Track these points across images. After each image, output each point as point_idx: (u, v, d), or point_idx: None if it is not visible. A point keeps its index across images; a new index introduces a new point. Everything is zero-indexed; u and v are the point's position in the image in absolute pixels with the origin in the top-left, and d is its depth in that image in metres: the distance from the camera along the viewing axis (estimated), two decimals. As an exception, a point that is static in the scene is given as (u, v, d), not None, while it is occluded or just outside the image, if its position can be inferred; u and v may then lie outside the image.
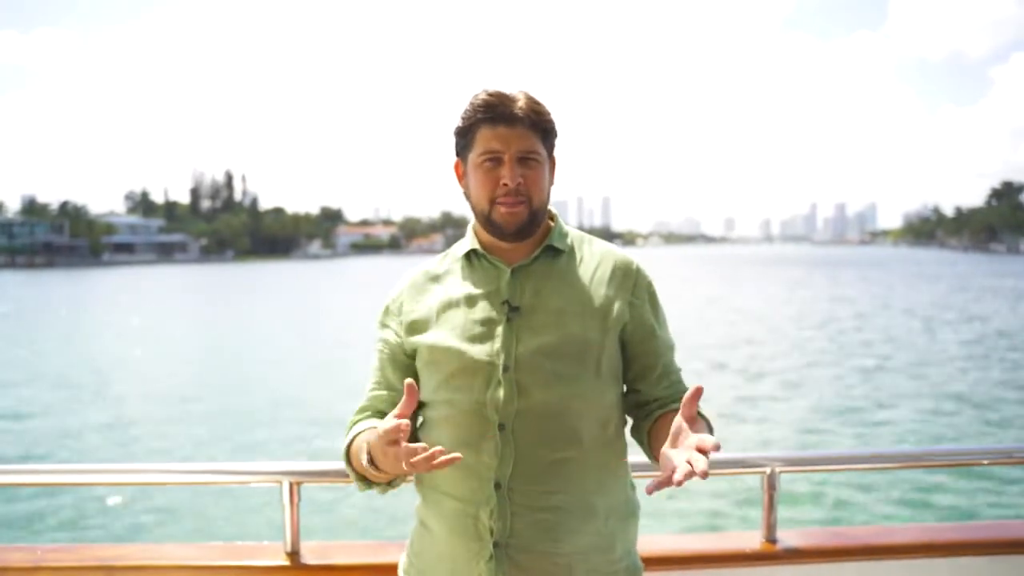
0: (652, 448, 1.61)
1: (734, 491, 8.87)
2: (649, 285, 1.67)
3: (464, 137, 1.62)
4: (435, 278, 1.69)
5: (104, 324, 32.01)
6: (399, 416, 1.43)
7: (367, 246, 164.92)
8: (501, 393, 1.55)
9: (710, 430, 1.47)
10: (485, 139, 1.58)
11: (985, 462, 2.98)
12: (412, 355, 1.67)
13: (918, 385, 16.47)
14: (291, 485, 2.11)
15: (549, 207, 1.67)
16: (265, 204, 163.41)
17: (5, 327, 31.07)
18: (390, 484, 1.65)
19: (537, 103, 1.60)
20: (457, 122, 1.63)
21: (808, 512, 8.47)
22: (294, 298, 46.39)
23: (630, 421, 1.70)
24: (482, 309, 1.61)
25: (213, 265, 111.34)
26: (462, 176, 1.66)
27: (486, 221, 1.61)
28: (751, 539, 2.23)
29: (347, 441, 1.65)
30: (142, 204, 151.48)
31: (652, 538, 2.15)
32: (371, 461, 1.51)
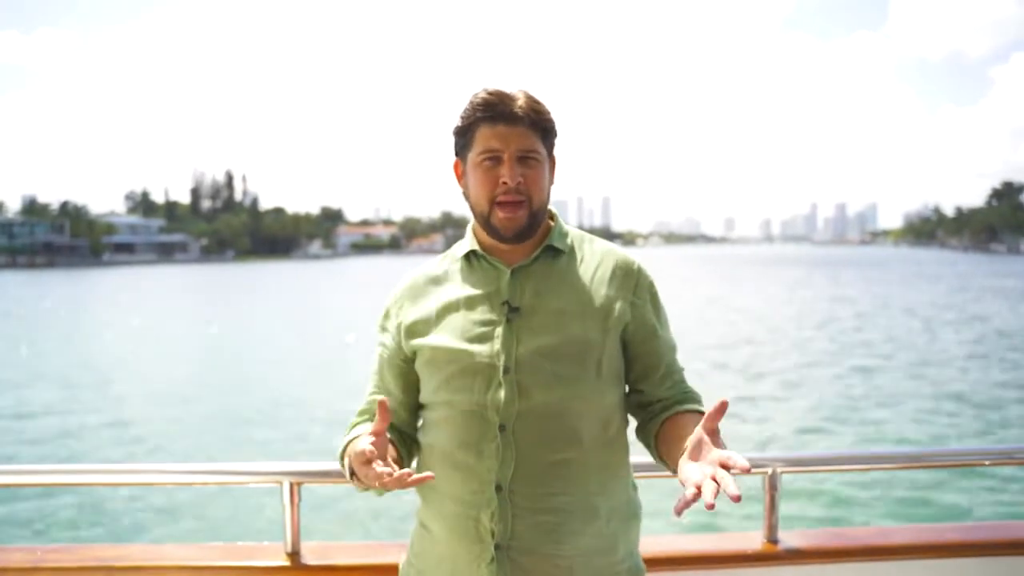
0: (659, 451, 1.60)
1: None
2: (650, 285, 1.66)
3: (463, 136, 1.61)
4: (435, 280, 1.68)
5: (104, 324, 32.00)
6: (374, 433, 1.44)
7: (367, 246, 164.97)
8: (502, 394, 1.54)
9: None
10: (485, 138, 1.57)
11: (986, 462, 2.99)
12: (410, 358, 1.66)
13: (918, 385, 16.46)
14: (291, 485, 2.11)
15: (549, 207, 1.66)
16: (265, 204, 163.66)
17: (5, 327, 31.07)
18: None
19: (537, 102, 1.59)
20: (456, 121, 1.62)
21: (809, 513, 8.46)
22: (294, 298, 46.38)
23: (633, 421, 1.69)
24: (482, 310, 1.60)
25: (213, 265, 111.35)
26: (461, 176, 1.65)
27: (485, 223, 1.61)
28: (752, 539, 2.23)
29: (343, 444, 1.65)
30: (142, 204, 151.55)
31: (653, 539, 2.14)
32: (353, 473, 1.52)
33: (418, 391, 1.69)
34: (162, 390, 16.92)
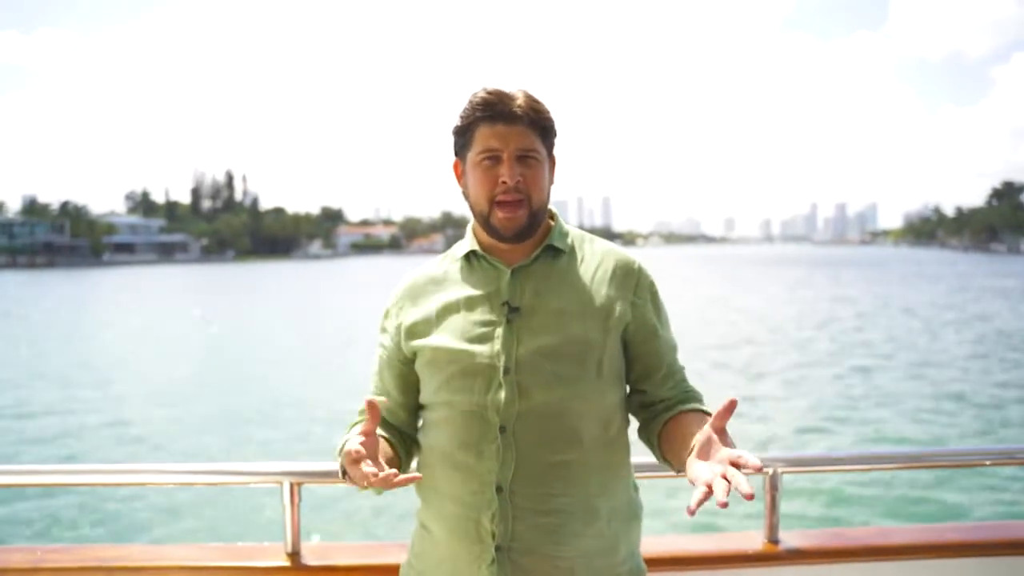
0: (663, 450, 1.60)
1: (735, 492, 8.85)
2: (651, 285, 1.66)
3: (463, 136, 1.60)
4: (435, 280, 1.68)
5: (104, 324, 32.01)
6: (363, 432, 1.44)
7: (367, 246, 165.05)
8: (502, 395, 1.54)
9: None
10: (484, 137, 1.57)
11: (987, 462, 2.99)
12: (410, 359, 1.66)
13: (919, 385, 16.45)
14: (292, 486, 2.11)
15: (549, 207, 1.66)
16: (266, 204, 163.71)
17: (6, 327, 31.08)
18: None
19: (536, 101, 1.59)
20: (456, 121, 1.62)
21: (810, 512, 8.46)
22: (295, 298, 46.39)
23: (634, 421, 1.69)
24: (482, 310, 1.59)
25: (214, 265, 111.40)
26: (461, 176, 1.64)
27: (485, 223, 1.60)
28: (753, 540, 2.23)
29: (341, 443, 1.65)
30: (143, 204, 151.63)
31: (654, 539, 2.14)
32: (344, 472, 1.51)
33: (417, 392, 1.68)
34: (162, 390, 16.92)
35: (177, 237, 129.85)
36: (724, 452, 1.28)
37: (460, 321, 1.60)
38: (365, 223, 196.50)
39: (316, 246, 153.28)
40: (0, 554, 2.16)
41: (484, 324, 1.58)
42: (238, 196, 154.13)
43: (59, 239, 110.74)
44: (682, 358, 1.70)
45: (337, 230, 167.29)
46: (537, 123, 1.58)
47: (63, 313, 37.31)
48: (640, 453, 1.73)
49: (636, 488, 1.70)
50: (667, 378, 1.65)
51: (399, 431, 1.70)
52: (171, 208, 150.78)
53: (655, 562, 1.98)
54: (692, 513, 1.20)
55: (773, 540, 2.21)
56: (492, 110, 1.56)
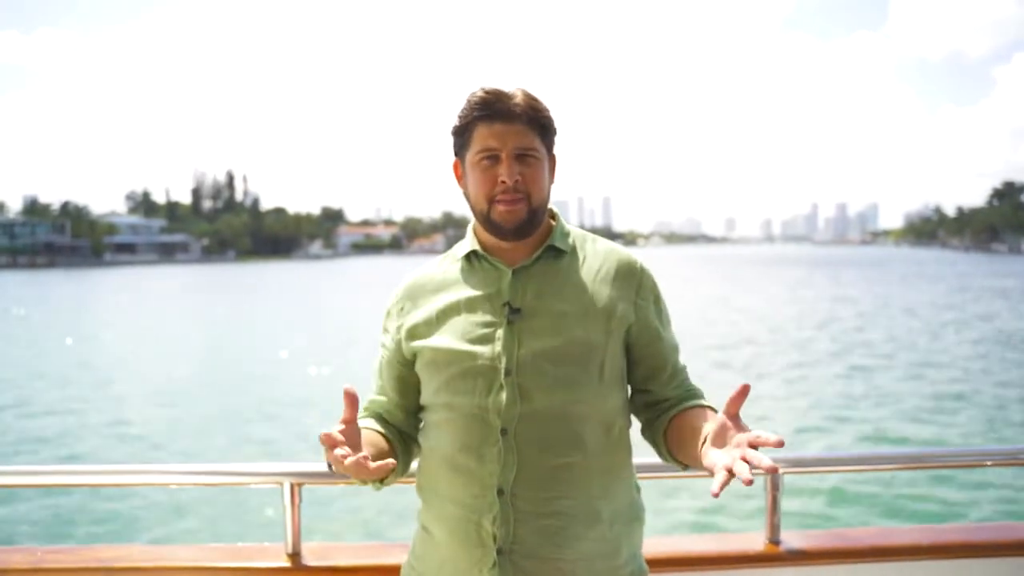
0: (669, 447, 1.60)
1: (737, 492, 8.85)
2: (653, 285, 1.65)
3: (461, 136, 1.60)
4: (435, 281, 1.67)
5: (105, 324, 32.00)
6: (343, 421, 1.44)
7: (368, 246, 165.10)
8: (503, 397, 1.53)
9: None
10: (482, 137, 1.56)
11: (989, 463, 2.98)
12: (409, 360, 1.65)
13: (920, 385, 16.43)
14: (292, 486, 2.10)
15: (550, 206, 1.65)
16: (266, 204, 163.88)
17: (6, 327, 31.08)
18: (381, 481, 1.64)
19: (534, 99, 1.58)
20: (454, 122, 1.61)
21: (810, 513, 8.45)
22: (295, 298, 46.37)
23: (637, 422, 1.68)
24: (483, 311, 1.58)
25: (215, 265, 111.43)
26: (461, 176, 1.64)
27: (485, 220, 1.59)
28: (754, 540, 2.22)
29: None
30: (144, 204, 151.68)
31: (655, 540, 2.14)
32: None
33: (415, 393, 1.68)
34: (163, 390, 16.92)
35: (178, 237, 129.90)
36: (743, 436, 1.28)
37: (461, 322, 1.59)
38: (366, 223, 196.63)
39: (317, 246, 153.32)
40: (0, 555, 2.16)
41: (485, 325, 1.57)
42: (239, 196, 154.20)
43: (60, 239, 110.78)
44: (683, 358, 1.70)
45: (338, 230, 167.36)
46: (535, 121, 1.57)
47: (64, 313, 37.30)
48: (641, 454, 1.72)
49: (638, 489, 1.69)
50: (672, 378, 1.64)
51: (399, 430, 1.70)
52: (172, 208, 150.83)
53: (656, 563, 1.98)
54: (716, 495, 1.20)
55: (774, 541, 2.20)
56: (489, 109, 1.55)
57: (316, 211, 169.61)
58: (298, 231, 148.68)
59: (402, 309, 1.67)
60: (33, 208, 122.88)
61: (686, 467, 1.62)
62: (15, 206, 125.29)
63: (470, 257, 1.65)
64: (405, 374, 1.67)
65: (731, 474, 1.21)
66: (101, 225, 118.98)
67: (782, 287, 51.85)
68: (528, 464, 1.52)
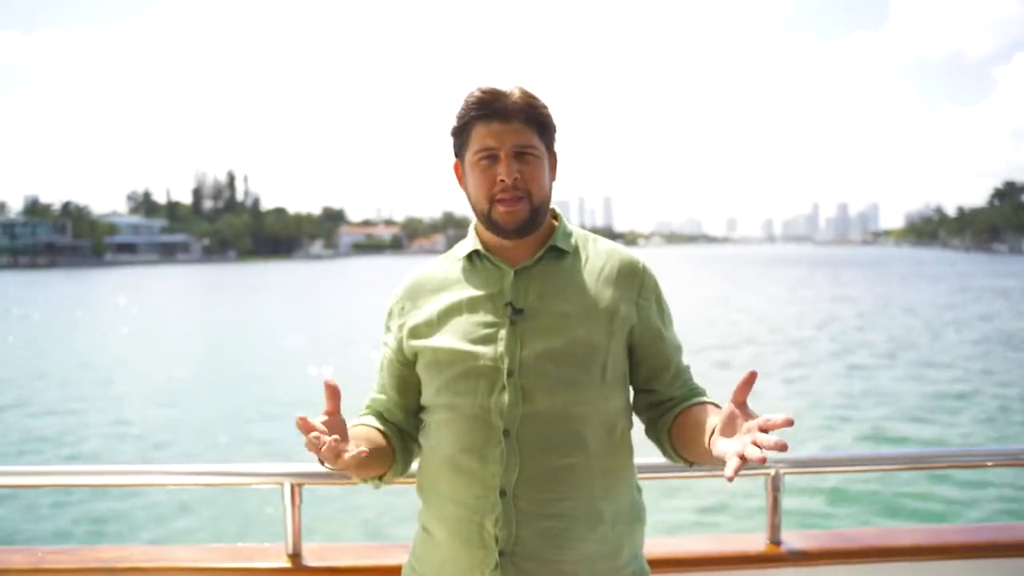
0: (675, 445, 1.60)
1: (737, 493, 8.85)
2: (655, 285, 1.65)
3: (460, 137, 1.60)
4: (437, 280, 1.66)
5: (106, 324, 32.02)
6: (325, 413, 1.44)
7: (369, 246, 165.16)
8: (506, 398, 1.52)
9: None
10: (480, 136, 1.55)
11: (990, 463, 2.98)
12: (410, 360, 1.65)
13: (921, 386, 16.42)
14: (292, 487, 2.10)
15: (552, 206, 1.65)
16: (267, 204, 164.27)
17: (7, 327, 31.09)
18: (380, 479, 1.65)
19: (532, 97, 1.57)
20: (453, 122, 1.61)
21: (811, 512, 8.45)
22: (296, 298, 46.38)
23: (639, 422, 1.68)
24: (485, 311, 1.58)
25: (215, 265, 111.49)
26: (462, 177, 1.63)
27: (486, 220, 1.59)
28: (755, 541, 2.22)
29: None
30: (144, 204, 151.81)
31: (656, 540, 2.13)
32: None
33: (415, 393, 1.67)
34: (163, 390, 16.92)
35: (179, 237, 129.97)
36: (753, 422, 1.28)
37: (463, 322, 1.58)
38: (366, 223, 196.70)
39: (317, 246, 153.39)
40: (1, 555, 2.16)
41: (487, 325, 1.57)
42: (240, 196, 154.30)
43: (61, 239, 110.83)
44: (684, 358, 1.70)
45: (339, 230, 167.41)
46: (533, 119, 1.56)
47: (64, 313, 37.30)
48: (642, 454, 1.72)
49: (639, 490, 1.69)
50: (676, 378, 1.64)
51: (398, 429, 1.70)
52: (173, 208, 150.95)
53: (657, 563, 1.97)
54: (731, 479, 1.21)
55: (775, 541, 2.20)
56: (487, 108, 1.55)
57: (317, 211, 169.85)
58: (299, 231, 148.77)
59: (403, 308, 1.67)
60: (34, 208, 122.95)
61: (692, 464, 1.62)
62: (16, 206, 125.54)
63: (472, 257, 1.64)
64: (406, 374, 1.67)
65: (743, 459, 1.21)
66: (102, 225, 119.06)
67: (782, 287, 51.84)
68: (530, 465, 1.52)
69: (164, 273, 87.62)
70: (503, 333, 1.55)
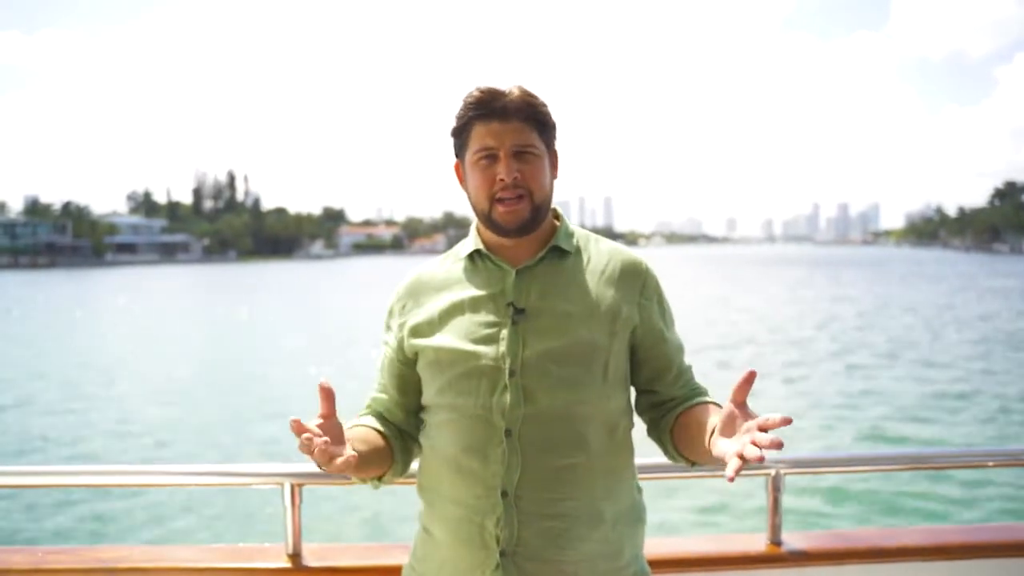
0: (677, 445, 1.60)
1: (738, 493, 8.85)
2: (657, 286, 1.65)
3: (459, 137, 1.60)
4: (438, 279, 1.66)
5: (107, 324, 32.04)
6: (320, 416, 1.43)
7: (369, 246, 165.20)
8: (508, 398, 1.52)
9: None
10: (479, 136, 1.55)
11: (991, 464, 2.97)
12: (410, 359, 1.64)
13: (921, 386, 16.43)
14: (292, 487, 2.10)
15: (554, 206, 1.65)
16: (267, 204, 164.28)
17: (7, 327, 31.10)
18: (380, 479, 1.64)
19: (531, 95, 1.57)
20: (453, 123, 1.61)
21: (811, 512, 8.45)
22: (296, 298, 46.40)
23: (641, 423, 1.68)
24: (487, 311, 1.57)
25: (216, 265, 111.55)
26: (463, 178, 1.63)
27: (487, 220, 1.59)
28: (756, 541, 2.22)
29: None
30: (145, 204, 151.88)
31: (657, 540, 2.13)
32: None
33: (416, 393, 1.67)
34: (163, 390, 16.93)
35: (179, 237, 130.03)
36: (752, 422, 1.29)
37: (465, 322, 1.58)
38: (367, 223, 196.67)
39: (318, 246, 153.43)
40: (1, 555, 2.15)
41: (489, 325, 1.56)
42: (240, 196, 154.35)
43: (61, 239, 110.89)
44: (686, 358, 1.70)
45: (339, 230, 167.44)
46: (532, 117, 1.56)
47: (64, 313, 37.32)
48: (642, 454, 1.72)
49: (639, 490, 1.69)
50: (678, 378, 1.64)
51: (398, 429, 1.69)
52: (173, 208, 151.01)
53: (658, 564, 1.97)
54: (731, 480, 1.22)
55: (776, 541, 2.20)
56: (485, 108, 1.55)
57: (317, 211, 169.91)
58: (299, 231, 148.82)
59: (404, 307, 1.67)
60: (34, 208, 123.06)
61: (693, 464, 1.62)
62: (16, 206, 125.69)
63: (473, 256, 1.64)
64: (406, 373, 1.66)
65: (743, 459, 1.21)
66: (102, 225, 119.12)
67: (782, 287, 51.86)
68: (532, 465, 1.51)
69: (164, 273, 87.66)
70: (505, 333, 1.55)
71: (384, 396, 1.70)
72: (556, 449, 1.52)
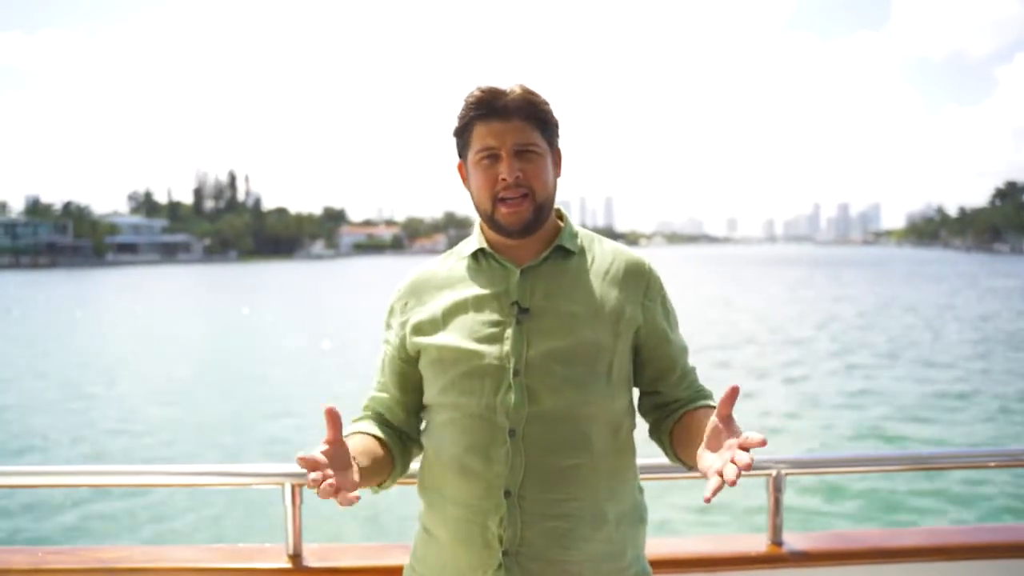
0: (676, 449, 1.60)
1: (738, 493, 8.84)
2: (661, 287, 1.65)
3: (461, 137, 1.59)
4: (441, 278, 1.66)
5: (107, 324, 32.04)
6: (326, 442, 1.41)
7: (370, 246, 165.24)
8: (512, 398, 1.51)
9: None
10: (481, 136, 1.55)
11: (992, 464, 2.97)
12: (412, 358, 1.64)
13: (921, 385, 16.41)
14: (293, 487, 2.09)
15: (558, 206, 1.64)
16: (268, 204, 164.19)
17: (8, 327, 31.11)
18: (379, 485, 1.64)
19: (532, 94, 1.56)
20: (455, 123, 1.60)
21: (812, 512, 8.44)
22: (297, 298, 46.41)
23: (643, 423, 1.68)
24: (491, 310, 1.57)
25: (216, 265, 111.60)
26: (466, 178, 1.63)
27: (490, 220, 1.58)
28: (756, 542, 2.22)
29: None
30: (145, 204, 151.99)
31: (658, 541, 2.13)
32: None
33: (417, 392, 1.66)
34: (164, 390, 16.92)
35: (180, 237, 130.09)
36: (731, 440, 1.30)
37: (468, 321, 1.57)
38: (367, 223, 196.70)
39: (319, 246, 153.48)
40: (1, 555, 2.15)
41: (493, 324, 1.56)
42: (241, 196, 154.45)
43: (62, 239, 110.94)
44: (689, 360, 1.70)
45: (340, 230, 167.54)
46: (534, 116, 1.56)
47: (65, 313, 37.32)
48: (643, 454, 1.72)
49: (641, 491, 1.69)
50: (681, 379, 1.64)
51: (398, 431, 1.69)
52: (174, 208, 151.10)
53: (659, 564, 1.97)
54: (708, 501, 1.24)
55: (776, 542, 2.20)
56: (486, 108, 1.54)
57: (318, 211, 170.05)
58: (300, 231, 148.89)
59: (406, 305, 1.66)
60: (35, 208, 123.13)
61: (692, 467, 1.62)
62: (17, 206, 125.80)
63: (477, 255, 1.63)
64: (407, 371, 1.66)
65: (722, 478, 1.23)
66: (103, 225, 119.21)
67: (783, 287, 51.84)
68: (536, 465, 1.51)
69: (165, 273, 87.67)
70: (509, 332, 1.54)
71: (384, 395, 1.69)
72: (560, 449, 1.52)
